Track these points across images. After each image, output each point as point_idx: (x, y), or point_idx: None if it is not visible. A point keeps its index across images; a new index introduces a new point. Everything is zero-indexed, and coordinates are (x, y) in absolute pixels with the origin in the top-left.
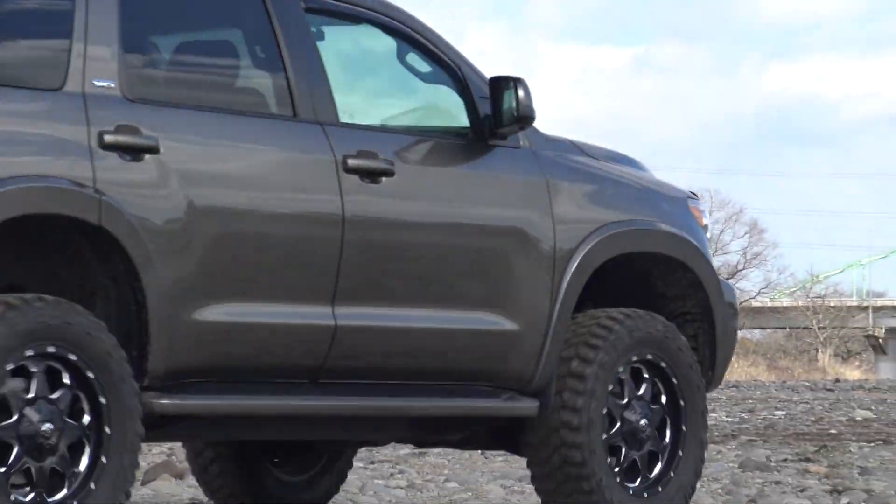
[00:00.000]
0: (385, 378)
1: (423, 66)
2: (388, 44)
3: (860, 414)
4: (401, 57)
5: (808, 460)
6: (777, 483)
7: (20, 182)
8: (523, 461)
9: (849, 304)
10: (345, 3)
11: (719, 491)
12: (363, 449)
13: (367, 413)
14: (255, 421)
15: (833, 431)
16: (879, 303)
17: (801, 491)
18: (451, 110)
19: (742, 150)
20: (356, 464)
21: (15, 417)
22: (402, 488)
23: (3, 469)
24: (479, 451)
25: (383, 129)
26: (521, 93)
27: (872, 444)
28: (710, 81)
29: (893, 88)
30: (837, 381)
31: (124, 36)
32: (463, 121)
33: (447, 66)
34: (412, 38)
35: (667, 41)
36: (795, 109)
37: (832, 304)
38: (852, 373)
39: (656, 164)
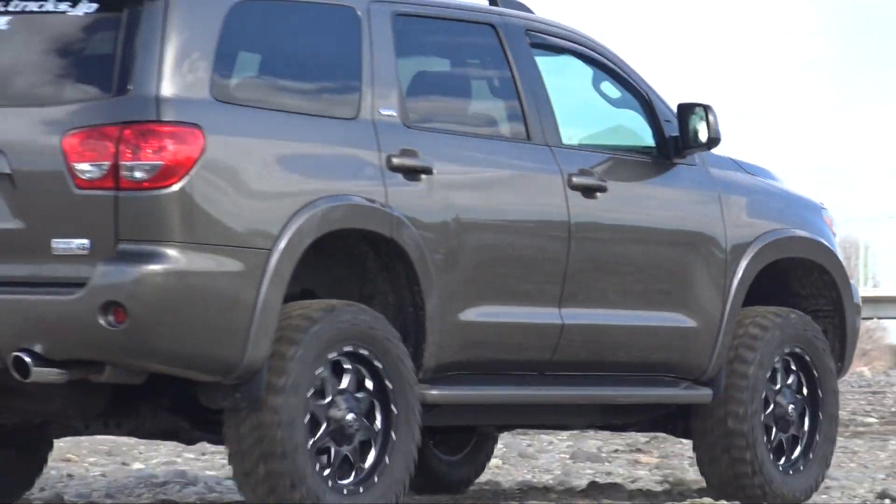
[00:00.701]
0: (594, 370)
1: (615, 93)
2: (586, 72)
3: None
4: (596, 84)
5: (638, 451)
6: (608, 474)
7: (331, 201)
8: None
9: None
10: (558, 39)
11: (550, 482)
12: None
13: (581, 401)
14: (498, 408)
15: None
16: None
17: (632, 482)
18: (637, 132)
19: None
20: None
21: (328, 399)
22: None
23: (312, 440)
24: None
25: (592, 149)
26: (711, 118)
27: None
28: None
29: None
30: None
31: (400, 71)
32: (648, 141)
33: (637, 93)
34: (607, 68)
35: None
36: None
37: None
38: None
39: None
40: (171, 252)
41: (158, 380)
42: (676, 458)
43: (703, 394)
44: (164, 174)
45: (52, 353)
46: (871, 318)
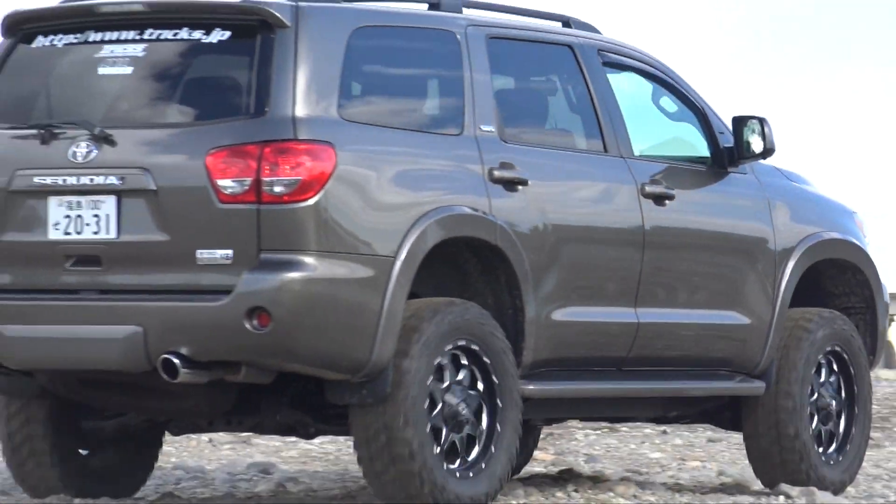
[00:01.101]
0: (663, 365)
1: (672, 107)
2: (646, 88)
3: None
4: (655, 99)
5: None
6: None
7: (444, 212)
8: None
9: None
10: (622, 57)
11: None
12: None
13: (654, 394)
14: (582, 402)
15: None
16: None
17: (527, 479)
18: (692, 143)
19: None
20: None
21: (445, 385)
22: None
23: (429, 422)
24: (208, 440)
25: (657, 160)
26: (766, 129)
27: (598, 432)
28: None
29: None
30: None
31: (498, 89)
32: (703, 152)
33: (692, 106)
34: (666, 83)
35: None
36: None
37: None
38: None
39: None
40: (309, 260)
41: (279, 378)
42: (572, 454)
43: (757, 386)
44: (302, 188)
45: (198, 355)
46: None
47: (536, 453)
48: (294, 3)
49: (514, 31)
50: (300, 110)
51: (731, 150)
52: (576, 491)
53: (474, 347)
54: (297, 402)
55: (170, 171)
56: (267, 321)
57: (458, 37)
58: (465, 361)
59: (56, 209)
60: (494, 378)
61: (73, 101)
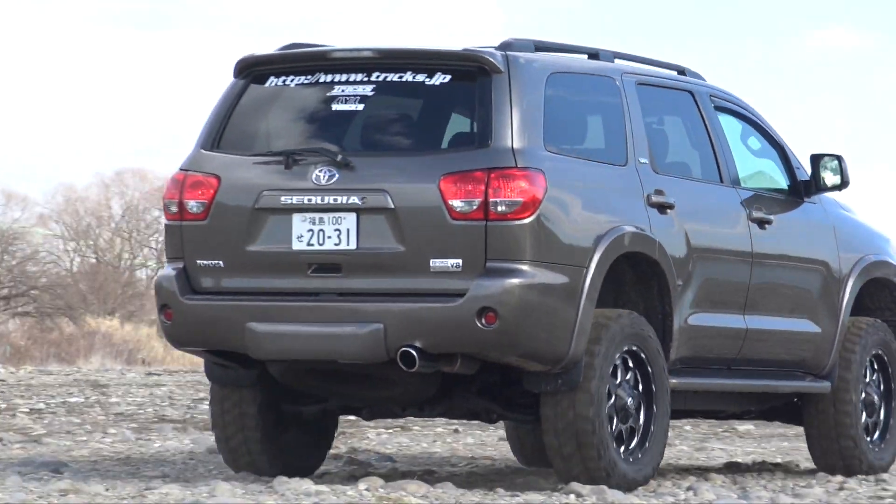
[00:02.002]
0: (758, 366)
1: (757, 144)
2: (737, 127)
3: None
4: (743, 138)
5: (456, 431)
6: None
7: (621, 230)
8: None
9: None
10: (723, 101)
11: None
12: None
13: (754, 390)
14: (702, 395)
15: (352, 417)
16: None
17: (320, 477)
18: (773, 176)
19: None
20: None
21: (620, 379)
22: None
23: (624, 423)
24: None
25: (755, 190)
26: (843, 165)
27: (391, 431)
28: None
29: None
30: None
31: (646, 128)
32: (781, 184)
33: (775, 144)
34: (754, 123)
35: None
36: None
37: None
38: None
39: None
40: (527, 268)
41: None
42: (364, 453)
43: (825, 386)
44: (522, 208)
45: (431, 348)
46: None
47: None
48: (504, 53)
49: (653, 79)
50: (517, 142)
51: (806, 183)
52: (367, 490)
53: (639, 352)
54: (483, 391)
55: (406, 192)
56: (494, 319)
57: (617, 83)
58: (631, 364)
59: (300, 224)
60: (652, 378)
61: (310, 133)
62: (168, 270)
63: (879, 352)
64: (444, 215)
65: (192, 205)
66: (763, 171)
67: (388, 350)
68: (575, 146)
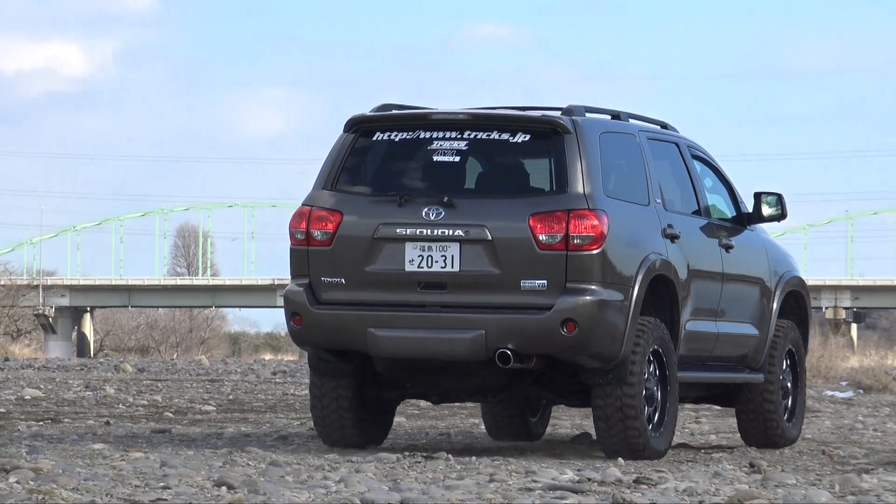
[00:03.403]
0: (721, 362)
1: (710, 183)
2: (699, 169)
3: (29, 393)
4: (703, 176)
5: None
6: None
7: (654, 257)
8: None
9: (19, 282)
10: (693, 149)
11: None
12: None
13: (715, 381)
14: (685, 385)
15: (2, 410)
16: (50, 281)
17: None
18: (721, 208)
19: None
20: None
21: (648, 373)
22: None
23: (650, 408)
24: None
25: (720, 221)
26: (783, 201)
27: (41, 423)
28: None
29: (69, 68)
30: (7, 359)
31: (657, 174)
32: (728, 214)
33: (725, 182)
34: (711, 166)
35: None
36: None
37: (2, 283)
38: (22, 351)
39: None
40: (596, 287)
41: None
42: (14, 445)
43: (759, 377)
44: (593, 241)
45: (522, 349)
46: (210, 307)
47: None
48: (571, 118)
49: (656, 134)
50: (586, 189)
51: (749, 214)
52: (18, 483)
53: (660, 351)
54: (537, 382)
55: (501, 227)
56: (574, 328)
57: (637, 139)
58: (654, 360)
59: (412, 250)
60: (668, 371)
61: (416, 178)
62: (295, 286)
63: (791, 348)
64: (533, 246)
65: (317, 234)
66: (716, 205)
67: (487, 351)
68: (618, 190)
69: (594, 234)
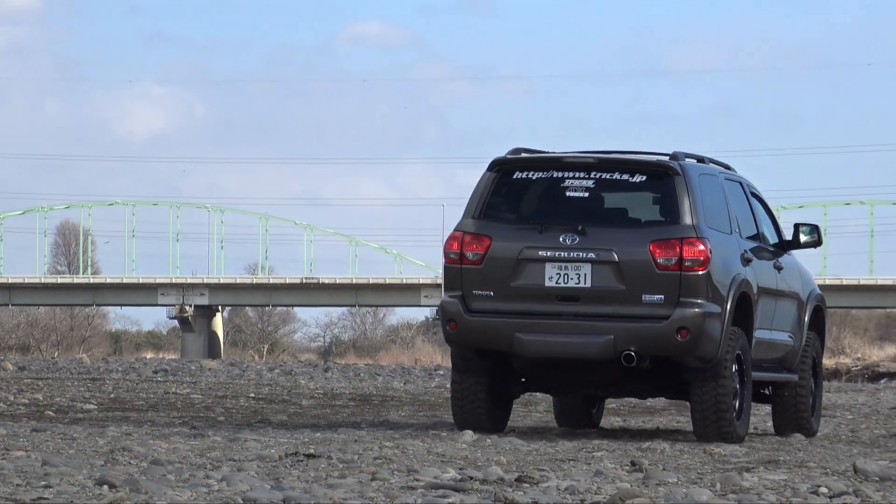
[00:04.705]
0: (770, 363)
1: (759, 212)
2: (752, 203)
3: None
4: (757, 209)
5: None
6: None
7: (741, 276)
8: None
9: None
10: (750, 186)
11: None
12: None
13: (769, 380)
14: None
15: None
16: None
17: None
18: (767, 234)
19: None
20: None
21: (733, 371)
22: None
23: (736, 402)
24: None
25: (772, 246)
26: (819, 230)
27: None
28: None
29: None
30: None
31: (733, 208)
32: (772, 240)
33: (769, 213)
34: (760, 199)
35: None
36: None
37: None
38: None
39: None
40: (703, 302)
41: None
42: None
43: (793, 377)
44: (701, 264)
45: (643, 352)
46: (91, 305)
47: None
48: (678, 162)
49: (728, 174)
50: (693, 220)
51: (788, 241)
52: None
53: (741, 354)
54: (642, 378)
55: (627, 251)
56: (686, 335)
57: (719, 179)
58: (737, 362)
59: (550, 269)
60: (745, 371)
61: (552, 210)
62: (449, 297)
63: (814, 353)
64: (653, 267)
65: (470, 254)
66: (765, 232)
67: (615, 352)
68: (713, 222)
69: (702, 258)
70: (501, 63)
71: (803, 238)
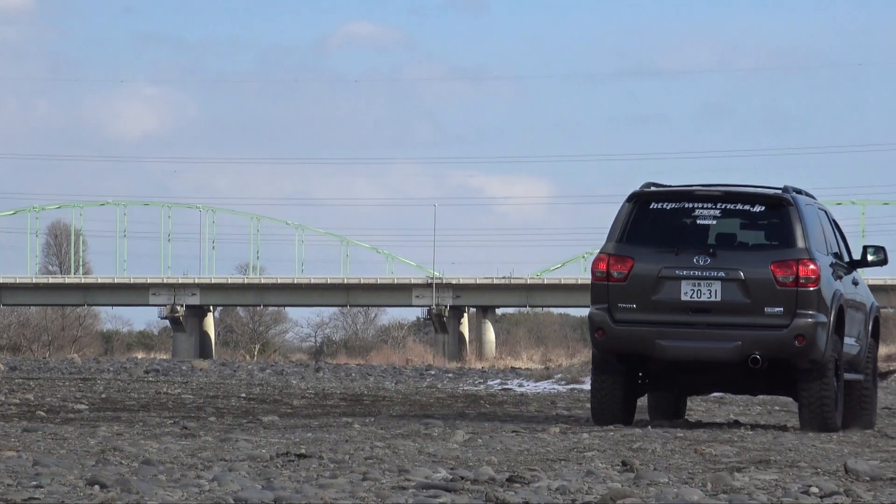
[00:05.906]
0: (846, 365)
1: (838, 235)
2: (833, 227)
3: None
4: (836, 232)
5: None
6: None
7: (839, 292)
8: None
9: None
10: (829, 214)
11: None
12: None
13: (847, 380)
14: None
15: None
16: None
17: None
18: (843, 254)
19: None
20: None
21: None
22: None
23: (826, 392)
24: None
25: (845, 264)
26: (885, 251)
27: None
28: None
29: None
30: None
31: (827, 233)
32: (846, 258)
33: (842, 235)
34: (836, 224)
35: None
36: None
37: None
38: None
39: None
40: (815, 313)
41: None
42: None
43: (860, 377)
44: (813, 282)
45: (766, 355)
46: (83, 305)
47: None
48: (791, 194)
49: (818, 204)
50: (806, 244)
51: (857, 261)
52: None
53: (837, 359)
54: (753, 377)
55: (752, 270)
56: (802, 341)
57: (815, 208)
58: (833, 363)
59: (685, 286)
60: (840, 371)
61: (686, 235)
62: (596, 309)
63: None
64: (774, 284)
65: (615, 273)
66: (842, 252)
67: (742, 356)
68: (817, 246)
69: (814, 277)
70: (494, 63)
71: (870, 258)
